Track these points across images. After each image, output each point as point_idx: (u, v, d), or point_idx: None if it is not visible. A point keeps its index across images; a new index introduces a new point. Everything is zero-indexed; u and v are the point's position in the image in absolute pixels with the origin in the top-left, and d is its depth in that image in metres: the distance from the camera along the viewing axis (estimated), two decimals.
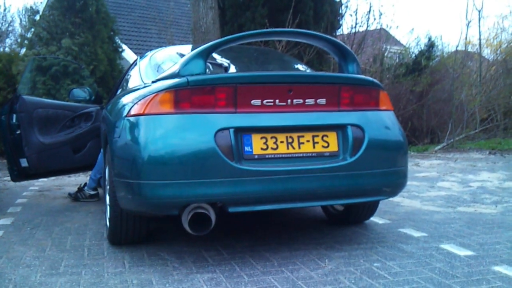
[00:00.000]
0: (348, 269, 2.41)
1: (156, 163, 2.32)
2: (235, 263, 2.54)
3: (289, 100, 2.49)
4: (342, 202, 2.69)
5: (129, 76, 3.64)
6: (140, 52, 8.56)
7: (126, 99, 2.81)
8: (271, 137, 2.46)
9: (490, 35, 13.80)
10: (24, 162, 4.06)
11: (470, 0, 19.91)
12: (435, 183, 5.22)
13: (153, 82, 2.69)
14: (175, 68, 2.57)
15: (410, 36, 17.20)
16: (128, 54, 10.56)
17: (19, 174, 4.17)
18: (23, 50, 9.04)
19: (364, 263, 2.50)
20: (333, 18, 9.26)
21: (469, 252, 2.66)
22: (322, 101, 2.56)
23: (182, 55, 2.91)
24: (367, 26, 9.84)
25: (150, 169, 2.32)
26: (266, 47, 6.71)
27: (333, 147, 2.55)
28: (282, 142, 2.47)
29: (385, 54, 11.07)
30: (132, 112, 2.51)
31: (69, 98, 4.61)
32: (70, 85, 7.60)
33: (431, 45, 11.41)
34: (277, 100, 2.47)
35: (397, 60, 11.43)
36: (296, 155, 2.48)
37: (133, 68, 3.64)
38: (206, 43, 2.64)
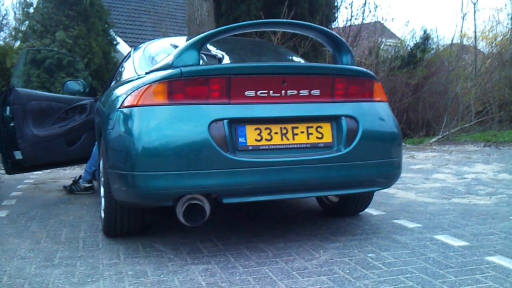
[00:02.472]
0: (342, 260, 2.42)
1: (150, 154, 2.31)
2: (230, 254, 2.54)
3: (283, 91, 2.49)
4: (337, 193, 2.70)
5: (123, 68, 3.63)
6: (135, 45, 8.51)
7: (119, 91, 2.80)
8: (265, 128, 2.45)
9: (485, 28, 13.83)
10: (18, 155, 4.04)
11: None
12: (430, 175, 5.24)
13: (146, 73, 2.68)
14: (168, 59, 2.55)
15: (406, 28, 17.19)
16: (123, 47, 10.50)
17: (13, 167, 4.16)
18: (17, 43, 8.99)
19: (358, 254, 2.51)
20: (329, 11, 9.25)
21: (463, 243, 2.68)
22: (316, 92, 2.56)
23: (175, 47, 2.90)
24: (363, 19, 9.82)
25: (144, 160, 2.32)
26: (262, 39, 6.69)
27: (327, 138, 2.55)
28: (276, 133, 2.47)
29: (381, 47, 11.04)
30: (126, 104, 2.50)
31: (63, 91, 4.59)
32: (65, 78, 7.55)
33: (426, 37, 11.38)
34: (271, 91, 2.47)
35: (393, 53, 11.41)
36: (291, 146, 2.48)
37: (127, 60, 3.63)
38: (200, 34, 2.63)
